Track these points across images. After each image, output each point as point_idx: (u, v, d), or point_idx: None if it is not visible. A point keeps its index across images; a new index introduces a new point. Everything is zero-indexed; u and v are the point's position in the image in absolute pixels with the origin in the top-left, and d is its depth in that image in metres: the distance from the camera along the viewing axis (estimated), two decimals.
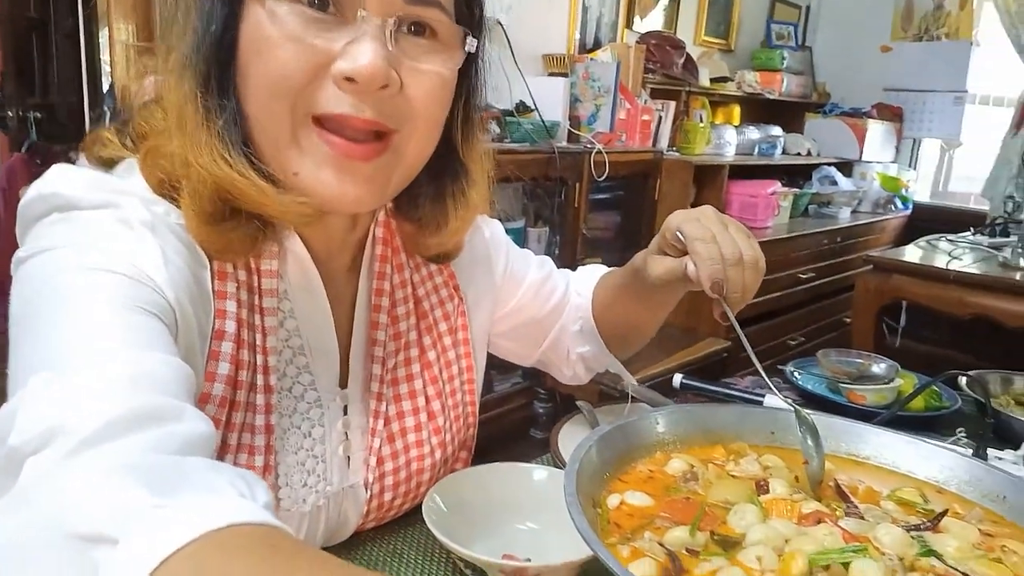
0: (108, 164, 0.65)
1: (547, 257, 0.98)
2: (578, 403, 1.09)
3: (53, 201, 0.59)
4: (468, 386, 0.85)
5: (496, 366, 2.87)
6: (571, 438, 0.99)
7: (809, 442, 0.68)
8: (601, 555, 0.47)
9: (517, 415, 2.85)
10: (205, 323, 0.62)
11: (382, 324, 0.76)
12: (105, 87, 2.35)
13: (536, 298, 0.93)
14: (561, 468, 0.82)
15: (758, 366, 0.72)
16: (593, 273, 0.97)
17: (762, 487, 0.64)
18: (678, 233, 0.74)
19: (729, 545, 0.55)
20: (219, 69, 0.59)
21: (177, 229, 0.61)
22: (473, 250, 0.86)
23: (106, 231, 0.57)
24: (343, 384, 0.74)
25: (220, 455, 0.63)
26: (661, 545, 0.55)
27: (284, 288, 0.69)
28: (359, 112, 0.58)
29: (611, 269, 0.96)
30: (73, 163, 0.65)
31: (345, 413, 0.74)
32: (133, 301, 0.53)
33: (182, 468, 0.43)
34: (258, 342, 0.66)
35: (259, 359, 0.66)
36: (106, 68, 2.28)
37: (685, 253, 0.74)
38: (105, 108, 2.24)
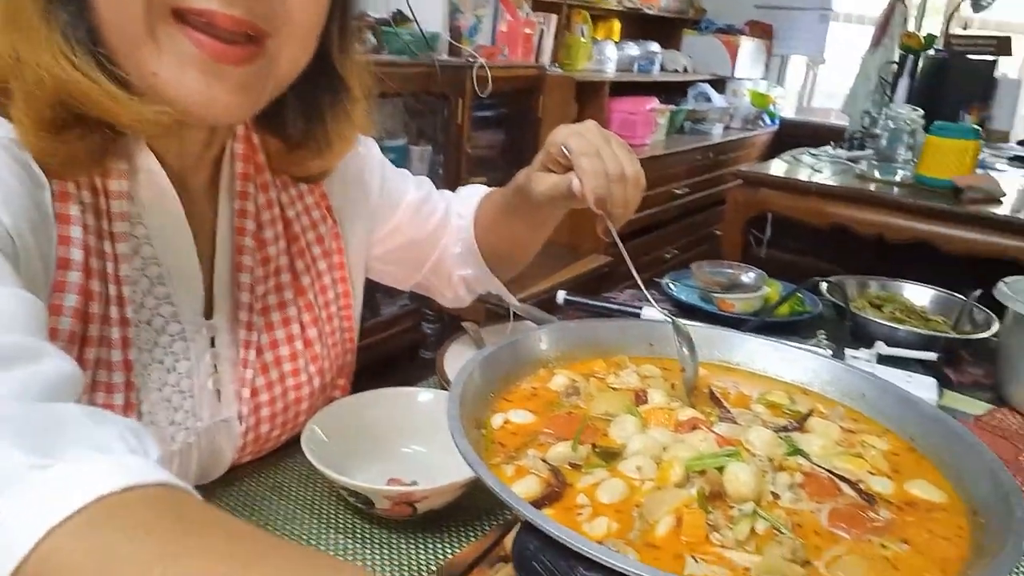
0: None
1: (426, 178, 0.95)
2: (464, 324, 1.09)
3: None
4: (345, 311, 0.82)
5: (382, 289, 2.82)
6: (457, 359, 0.99)
7: (685, 351, 0.70)
8: (482, 476, 0.47)
9: (406, 337, 2.83)
10: (48, 251, 0.55)
11: (248, 248, 0.71)
12: None
13: (415, 219, 0.90)
14: (447, 390, 0.81)
15: (638, 279, 0.73)
16: (473, 194, 0.95)
17: (640, 398, 0.66)
18: (563, 148, 0.73)
19: (610, 457, 0.57)
20: None
21: (8, 145, 0.53)
22: (346, 169, 0.82)
23: None
24: (209, 314, 0.69)
25: None
26: (544, 461, 0.55)
27: (137, 211, 0.63)
28: (227, 8, 0.51)
29: (492, 189, 0.94)
30: None
31: (213, 345, 0.70)
32: None
33: (58, 418, 0.37)
34: (109, 271, 0.60)
35: (112, 290, 0.60)
36: None
37: (569, 169, 0.73)
38: None
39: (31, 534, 0.31)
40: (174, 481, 0.36)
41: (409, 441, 0.77)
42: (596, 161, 0.70)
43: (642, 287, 0.73)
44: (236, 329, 0.71)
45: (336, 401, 0.77)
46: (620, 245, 0.74)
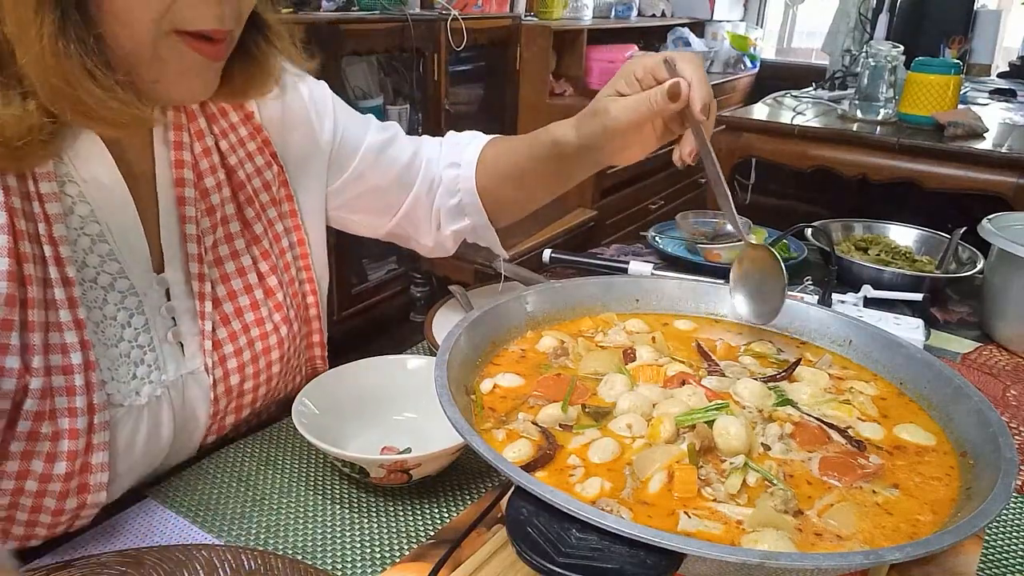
0: None
1: (393, 122, 0.92)
2: (451, 287, 1.08)
3: None
4: (303, 261, 0.82)
5: (369, 254, 2.81)
6: (445, 323, 0.98)
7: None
8: (473, 443, 0.46)
9: (396, 301, 2.83)
10: None
11: (190, 199, 0.70)
12: None
13: (378, 163, 0.88)
14: (435, 355, 0.81)
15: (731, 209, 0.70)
16: (470, 141, 0.91)
17: (629, 355, 0.66)
18: (664, 62, 0.71)
19: (601, 416, 0.57)
20: None
21: None
22: (289, 112, 0.80)
23: None
24: (160, 269, 0.69)
25: (26, 355, 0.57)
26: (535, 424, 0.55)
27: (67, 171, 0.62)
28: (222, 24, 0.60)
29: (499, 137, 0.91)
30: None
31: (169, 299, 0.70)
32: None
33: None
34: (41, 232, 0.59)
35: (47, 251, 0.60)
36: None
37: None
38: None
39: None
40: None
41: (401, 408, 0.76)
42: (702, 71, 0.71)
43: (735, 216, 0.71)
44: (190, 281, 0.71)
45: (326, 372, 0.77)
46: (714, 157, 0.70)
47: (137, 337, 0.67)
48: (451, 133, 0.95)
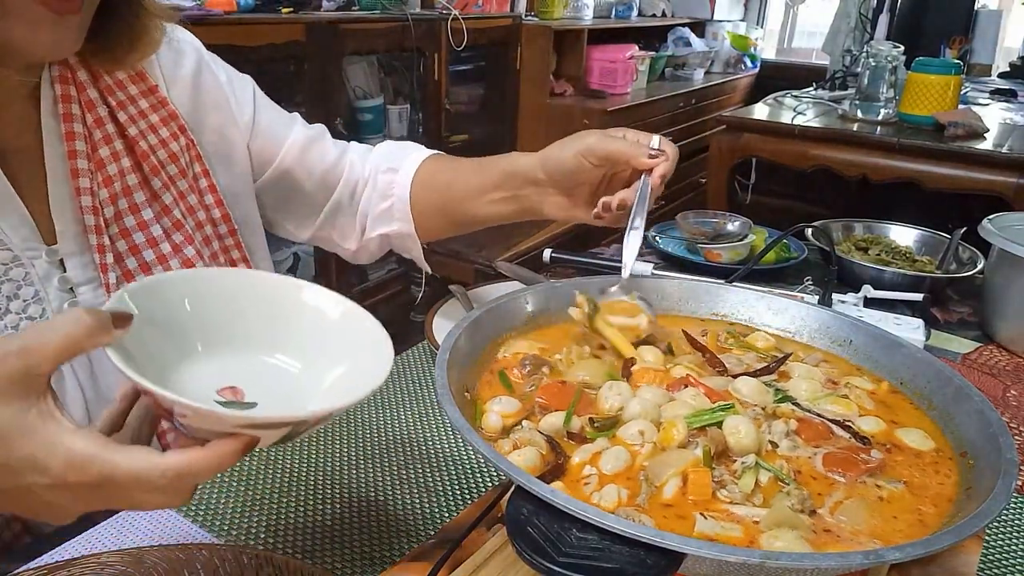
0: None
1: (321, 125, 0.93)
2: (451, 287, 1.08)
3: None
4: (232, 239, 0.81)
5: None
6: (446, 322, 0.98)
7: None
8: (474, 443, 0.46)
9: (397, 300, 2.83)
10: None
11: (84, 171, 0.69)
12: None
13: (303, 161, 0.88)
14: (435, 355, 0.80)
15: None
16: (411, 151, 0.92)
17: (628, 365, 0.64)
18: (655, 141, 0.76)
19: (609, 426, 0.55)
20: None
21: None
22: (201, 92, 0.80)
23: None
24: (52, 241, 0.69)
25: None
26: (541, 433, 0.55)
27: None
28: None
29: (439, 153, 0.93)
30: None
31: (65, 270, 0.69)
32: None
33: None
34: None
35: None
36: None
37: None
38: None
39: None
40: None
41: (276, 351, 0.53)
42: (675, 152, 0.76)
43: None
44: (89, 252, 0.70)
45: (181, 272, 0.60)
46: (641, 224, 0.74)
47: (26, 308, 0.67)
48: (388, 142, 0.96)
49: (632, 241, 0.72)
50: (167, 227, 0.75)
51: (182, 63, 0.79)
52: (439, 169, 0.90)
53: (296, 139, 0.88)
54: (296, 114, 0.91)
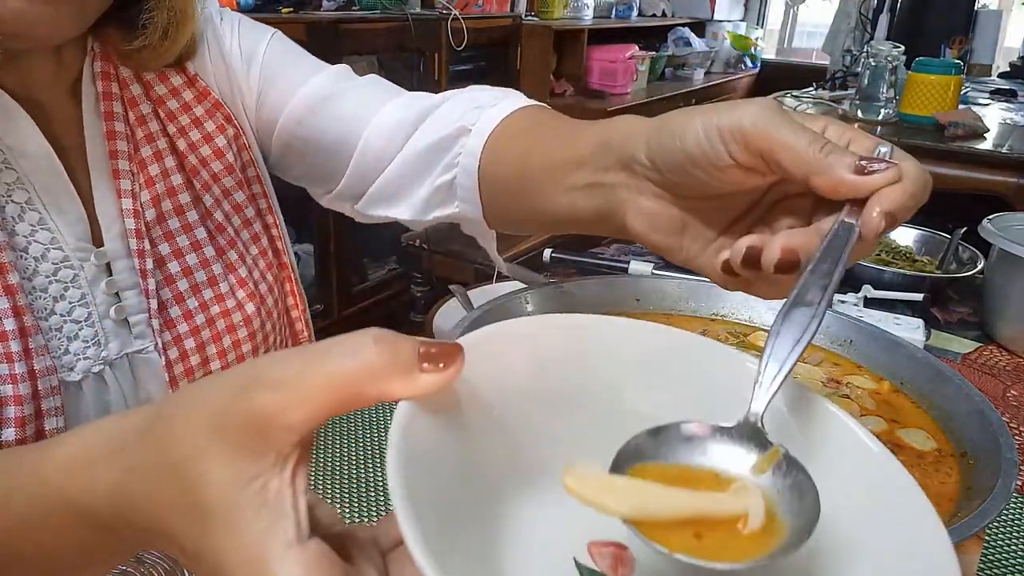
0: None
1: (376, 76, 0.76)
2: (451, 287, 1.08)
3: None
4: (276, 231, 0.77)
5: (369, 254, 2.81)
6: (445, 323, 0.98)
7: None
8: None
9: (396, 300, 2.83)
10: None
11: (124, 171, 0.67)
12: None
13: (318, 112, 0.72)
14: None
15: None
16: (499, 99, 0.65)
17: None
18: (879, 148, 0.41)
19: None
20: None
21: None
22: (232, 72, 0.74)
23: None
24: (100, 243, 0.67)
25: None
26: None
27: None
28: None
29: (536, 105, 0.65)
30: None
31: (111, 274, 0.67)
32: None
33: None
34: None
35: None
36: None
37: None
38: None
39: None
40: None
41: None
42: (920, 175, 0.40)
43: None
44: (131, 257, 0.68)
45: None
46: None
47: (71, 311, 0.65)
48: (475, 86, 0.69)
49: (775, 359, 0.34)
50: (211, 229, 0.71)
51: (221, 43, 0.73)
52: (522, 130, 0.61)
53: (313, 89, 0.72)
54: (322, 63, 0.75)
